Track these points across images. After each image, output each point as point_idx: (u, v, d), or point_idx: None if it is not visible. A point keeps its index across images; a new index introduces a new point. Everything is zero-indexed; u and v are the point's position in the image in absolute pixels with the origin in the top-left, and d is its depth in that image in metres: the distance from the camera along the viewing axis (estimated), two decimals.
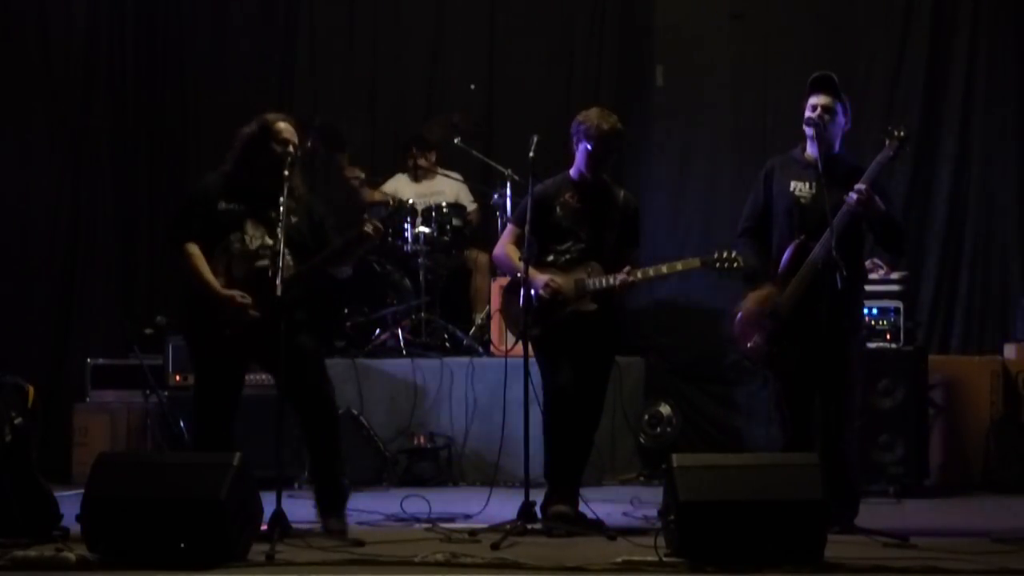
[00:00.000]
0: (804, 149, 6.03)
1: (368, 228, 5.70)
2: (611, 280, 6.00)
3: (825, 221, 5.75)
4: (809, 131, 5.95)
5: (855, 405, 6.08)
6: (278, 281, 5.46)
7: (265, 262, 5.65)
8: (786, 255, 5.94)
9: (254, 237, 5.67)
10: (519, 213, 6.25)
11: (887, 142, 5.90)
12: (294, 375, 5.64)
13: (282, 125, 5.82)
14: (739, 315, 6.07)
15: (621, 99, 8.93)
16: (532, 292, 5.95)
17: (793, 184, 6.01)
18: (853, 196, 5.77)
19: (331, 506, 5.75)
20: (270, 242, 5.67)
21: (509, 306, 6.24)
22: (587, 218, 6.12)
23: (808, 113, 5.97)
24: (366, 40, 9.49)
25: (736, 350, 6.22)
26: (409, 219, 8.42)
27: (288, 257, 5.59)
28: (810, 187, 5.95)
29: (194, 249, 5.69)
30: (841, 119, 6.01)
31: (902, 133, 5.89)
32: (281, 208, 5.58)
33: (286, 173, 5.67)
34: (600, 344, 6.12)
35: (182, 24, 9.30)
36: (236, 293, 5.61)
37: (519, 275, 6.02)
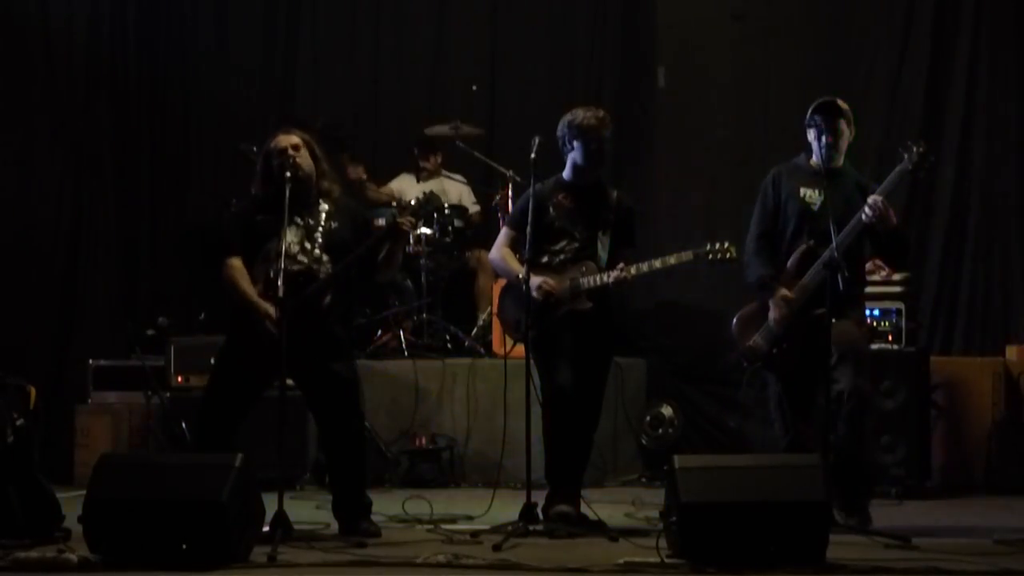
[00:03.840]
0: (809, 158, 6.11)
1: (402, 222, 5.75)
2: (605, 278, 6.01)
3: (836, 225, 5.81)
4: (824, 153, 6.00)
5: (866, 397, 6.07)
6: (279, 282, 5.51)
7: (301, 264, 5.69)
8: (793, 258, 6.01)
9: (292, 243, 5.71)
10: (514, 216, 6.32)
11: (905, 156, 5.94)
12: (326, 404, 5.82)
13: (279, 137, 5.86)
14: (739, 315, 6.14)
15: (622, 100, 8.95)
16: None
17: (803, 191, 6.09)
18: (868, 209, 5.83)
19: (360, 512, 5.82)
20: (308, 247, 5.72)
21: (504, 308, 6.28)
22: (581, 218, 6.14)
23: (819, 137, 6.01)
24: (368, 41, 9.50)
25: (736, 350, 6.23)
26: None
27: (327, 263, 5.72)
28: (819, 194, 6.02)
29: (235, 262, 5.78)
30: (846, 133, 6.09)
31: (922, 149, 5.93)
32: (287, 212, 5.65)
33: (287, 175, 5.70)
34: (597, 343, 6.13)
35: (184, 25, 9.32)
36: (266, 304, 5.63)
37: (518, 276, 6.03)
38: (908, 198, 8.52)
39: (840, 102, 6.10)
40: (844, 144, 6.09)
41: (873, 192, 5.93)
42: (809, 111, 6.06)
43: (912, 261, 8.19)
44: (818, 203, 6.02)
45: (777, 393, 6.10)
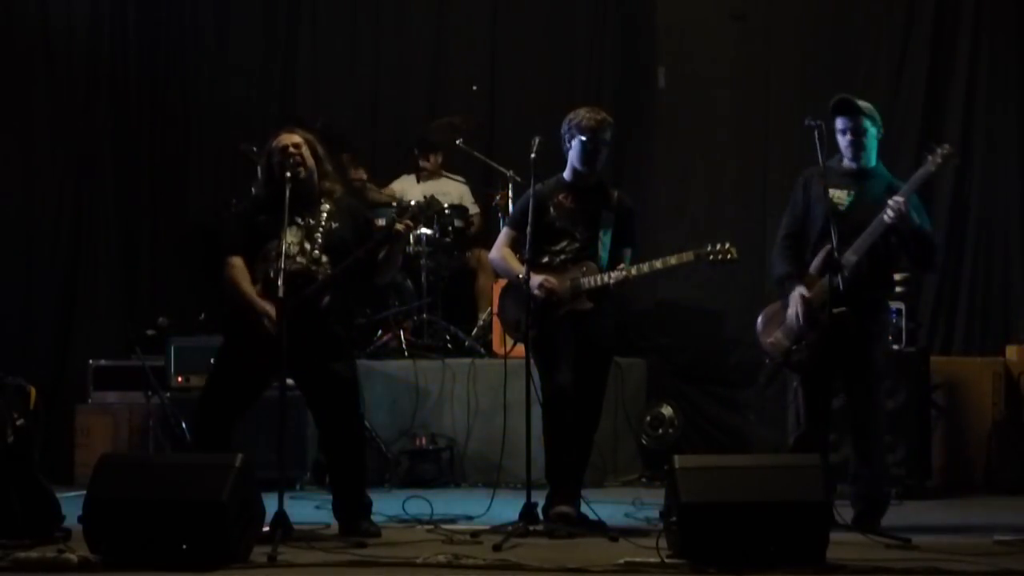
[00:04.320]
0: (841, 160, 6.15)
1: (399, 227, 5.75)
2: (606, 278, 6.02)
3: (861, 228, 5.90)
4: (848, 153, 6.07)
5: (883, 405, 6.18)
6: (280, 282, 5.52)
7: (299, 265, 5.70)
8: (818, 258, 6.04)
9: (292, 244, 5.72)
10: (514, 216, 6.33)
11: (929, 157, 5.99)
12: (326, 403, 5.82)
13: (282, 136, 5.89)
14: (763, 312, 6.21)
15: (622, 100, 8.94)
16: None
17: (832, 191, 6.10)
18: (890, 210, 5.87)
19: (360, 513, 5.83)
20: (308, 247, 5.73)
21: (505, 308, 6.29)
22: (581, 218, 6.15)
23: (841, 138, 6.08)
24: (368, 41, 9.49)
25: (757, 346, 6.28)
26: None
27: (326, 263, 5.73)
28: (848, 195, 6.06)
29: (236, 260, 5.80)
30: (871, 131, 6.11)
31: (946, 151, 5.98)
32: (287, 212, 5.66)
33: (288, 175, 5.72)
34: (598, 343, 6.14)
35: (184, 26, 9.31)
36: (265, 303, 5.64)
37: (519, 277, 6.04)
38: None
39: (860, 101, 6.11)
40: (871, 142, 6.10)
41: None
42: (830, 112, 6.07)
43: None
44: (846, 204, 6.06)
45: (795, 389, 6.15)
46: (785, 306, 6.11)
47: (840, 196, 6.07)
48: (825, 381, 6.02)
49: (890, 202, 5.88)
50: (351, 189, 8.72)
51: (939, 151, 5.97)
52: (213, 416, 5.79)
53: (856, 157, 6.06)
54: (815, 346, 5.96)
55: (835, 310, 5.86)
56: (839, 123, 6.06)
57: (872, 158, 6.12)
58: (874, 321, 6.04)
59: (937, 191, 8.64)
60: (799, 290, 5.99)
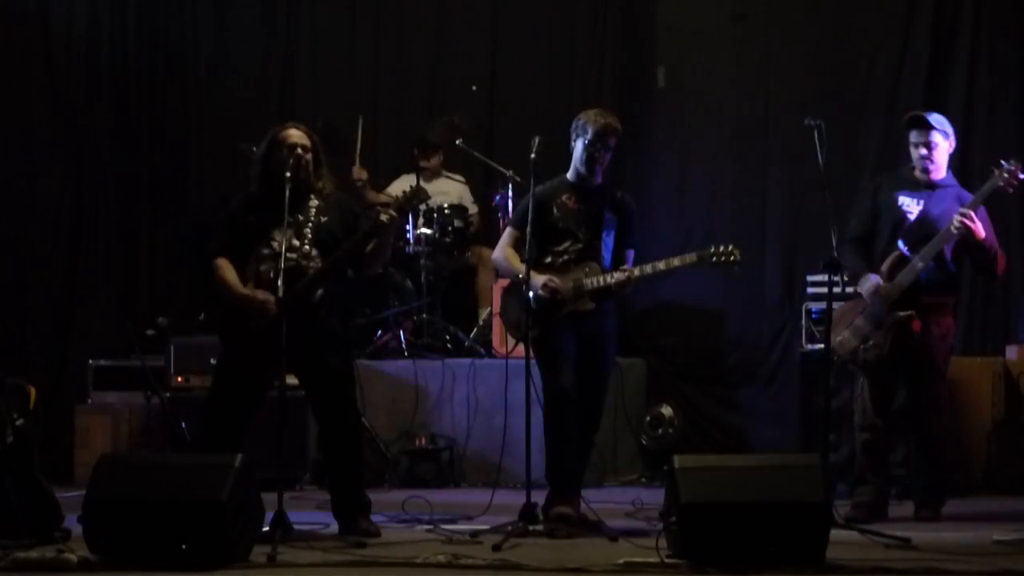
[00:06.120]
0: (913, 169, 6.41)
1: (384, 218, 5.75)
2: (609, 279, 6.02)
3: (928, 237, 6.18)
4: (919, 166, 6.36)
5: (944, 403, 6.50)
6: (279, 282, 5.53)
7: (291, 262, 5.70)
8: (885, 264, 6.28)
9: (283, 241, 5.71)
10: (517, 216, 6.32)
11: (995, 172, 6.21)
12: (321, 397, 5.85)
13: (291, 131, 5.89)
14: (833, 312, 6.38)
15: (622, 100, 8.93)
16: (531, 294, 5.96)
17: (901, 199, 6.38)
18: (956, 221, 6.13)
19: (359, 512, 5.84)
20: (297, 243, 5.74)
21: (507, 308, 6.28)
22: (584, 219, 6.15)
23: (913, 151, 6.38)
24: (368, 41, 9.49)
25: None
26: (412, 217, 8.43)
27: (316, 258, 5.74)
28: (917, 203, 6.33)
29: (222, 261, 5.83)
30: (942, 145, 6.36)
31: (1012, 166, 6.17)
32: (287, 211, 5.67)
33: (288, 175, 5.73)
34: (600, 344, 6.14)
35: (184, 25, 9.32)
36: (257, 292, 5.68)
37: (519, 276, 6.04)
38: None
39: (932, 116, 6.37)
40: (942, 156, 6.37)
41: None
42: (904, 126, 6.40)
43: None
44: (915, 213, 6.32)
45: (861, 386, 6.37)
46: (852, 306, 6.37)
47: (910, 204, 6.35)
48: (890, 379, 6.30)
49: (957, 214, 6.12)
50: (349, 188, 8.77)
51: (1005, 165, 6.18)
52: (222, 421, 5.79)
53: (926, 170, 6.33)
54: (881, 346, 6.21)
55: (900, 313, 6.17)
56: (912, 136, 6.36)
57: (943, 170, 6.37)
58: (937, 324, 6.31)
59: None
60: (874, 279, 6.25)
